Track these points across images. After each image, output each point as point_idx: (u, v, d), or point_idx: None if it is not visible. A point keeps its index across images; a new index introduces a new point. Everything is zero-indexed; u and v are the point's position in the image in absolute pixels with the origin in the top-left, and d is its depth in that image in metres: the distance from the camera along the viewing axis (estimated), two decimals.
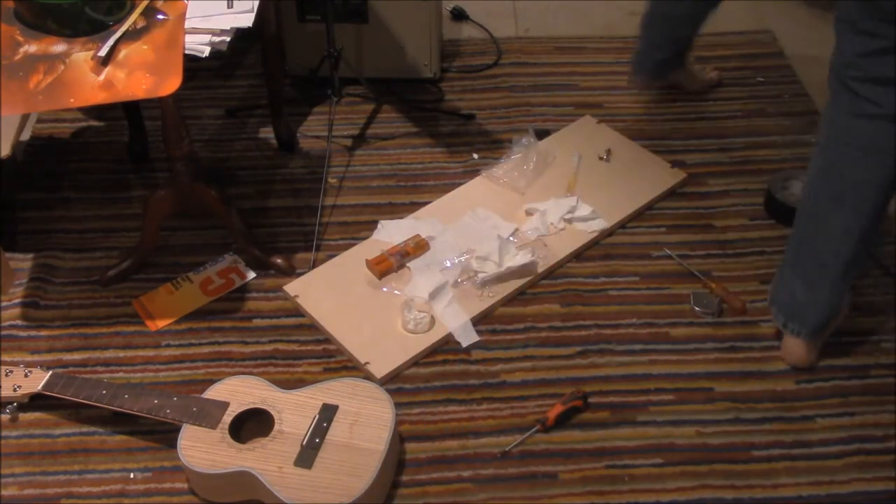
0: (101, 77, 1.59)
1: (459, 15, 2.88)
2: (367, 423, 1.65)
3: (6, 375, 1.77)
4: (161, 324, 1.96)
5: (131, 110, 2.31)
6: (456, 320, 1.94)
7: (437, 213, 2.19)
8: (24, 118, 2.31)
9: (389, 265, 2.03)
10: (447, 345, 1.93)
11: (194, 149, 1.99)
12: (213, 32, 1.66)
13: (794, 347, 1.86)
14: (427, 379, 1.86)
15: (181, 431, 1.64)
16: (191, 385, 1.84)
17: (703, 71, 2.57)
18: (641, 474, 1.70)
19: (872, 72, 1.59)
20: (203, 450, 1.61)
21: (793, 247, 1.82)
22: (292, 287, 2.02)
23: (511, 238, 2.10)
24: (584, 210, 2.16)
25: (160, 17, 1.66)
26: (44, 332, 1.94)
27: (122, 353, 1.91)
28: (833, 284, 1.78)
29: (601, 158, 2.33)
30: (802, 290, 1.81)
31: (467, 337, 1.92)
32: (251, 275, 2.07)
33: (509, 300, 2.01)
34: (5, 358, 1.87)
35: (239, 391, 1.70)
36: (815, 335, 1.84)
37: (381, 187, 2.29)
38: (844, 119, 1.65)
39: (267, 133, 2.45)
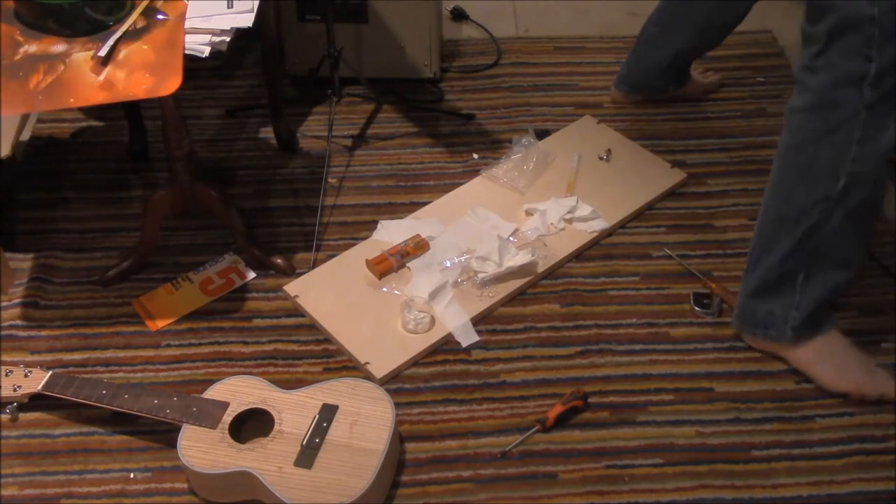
0: (101, 77, 1.59)
1: (459, 15, 2.87)
2: (367, 423, 1.65)
3: (6, 375, 1.77)
4: (161, 324, 1.96)
5: (131, 110, 2.31)
6: (456, 320, 1.94)
7: (437, 213, 2.19)
8: (24, 118, 2.32)
9: (389, 265, 2.03)
10: (447, 345, 1.93)
11: (194, 149, 1.99)
12: (213, 32, 1.66)
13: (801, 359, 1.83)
14: (427, 379, 1.86)
15: (181, 431, 1.64)
16: (191, 385, 1.84)
17: (704, 75, 2.56)
18: (641, 474, 1.70)
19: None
20: (203, 450, 1.61)
21: None
22: (292, 287, 2.02)
23: (511, 238, 2.10)
24: (584, 210, 2.16)
25: (160, 17, 1.66)
26: (44, 332, 1.94)
27: (122, 353, 1.91)
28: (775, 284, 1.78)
29: (601, 158, 2.33)
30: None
31: (467, 337, 1.92)
32: (251, 275, 2.07)
33: (509, 300, 2.01)
34: (5, 358, 1.87)
35: (239, 391, 1.70)
36: (789, 339, 1.82)
37: (381, 187, 2.29)
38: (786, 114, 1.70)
39: (267, 133, 2.44)
